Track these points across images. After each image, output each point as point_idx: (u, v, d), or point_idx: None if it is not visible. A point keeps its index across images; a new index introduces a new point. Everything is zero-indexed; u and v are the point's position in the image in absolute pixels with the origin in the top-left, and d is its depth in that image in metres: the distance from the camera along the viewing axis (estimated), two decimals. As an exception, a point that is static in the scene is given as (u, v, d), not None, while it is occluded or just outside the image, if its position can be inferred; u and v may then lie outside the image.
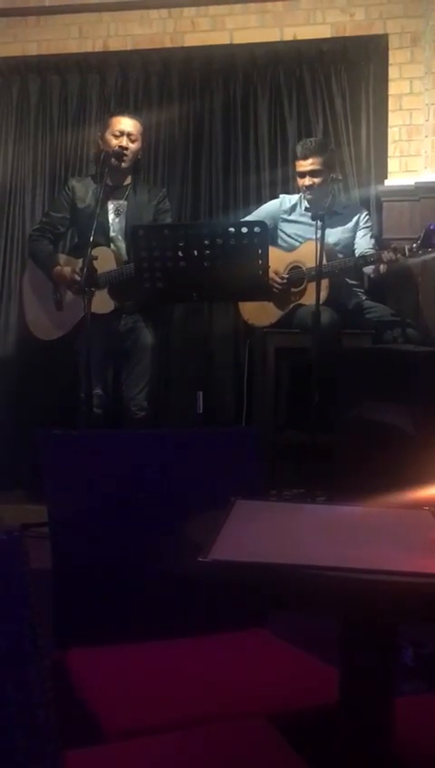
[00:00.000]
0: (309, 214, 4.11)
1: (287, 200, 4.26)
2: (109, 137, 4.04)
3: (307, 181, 4.10)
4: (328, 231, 3.74)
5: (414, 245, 3.69)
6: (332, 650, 1.33)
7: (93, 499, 1.82)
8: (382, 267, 3.83)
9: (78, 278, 3.87)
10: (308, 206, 4.13)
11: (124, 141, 4.03)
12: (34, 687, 0.95)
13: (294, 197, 4.25)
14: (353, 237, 4.14)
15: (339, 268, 3.90)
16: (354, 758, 1.23)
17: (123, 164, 4.03)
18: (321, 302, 3.51)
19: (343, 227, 4.11)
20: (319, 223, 3.47)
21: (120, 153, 3.99)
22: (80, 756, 1.28)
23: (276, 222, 4.20)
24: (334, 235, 4.02)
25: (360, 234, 4.14)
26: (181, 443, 1.97)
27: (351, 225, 4.14)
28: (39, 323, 4.22)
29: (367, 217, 4.19)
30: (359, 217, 4.16)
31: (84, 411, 3.64)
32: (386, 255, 3.78)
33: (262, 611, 1.87)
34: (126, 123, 4.07)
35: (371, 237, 4.14)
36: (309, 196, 4.11)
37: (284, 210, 4.23)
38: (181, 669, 1.66)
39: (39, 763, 0.94)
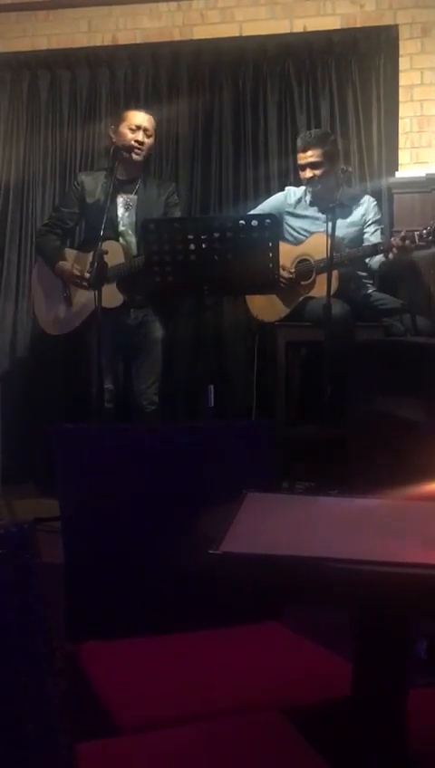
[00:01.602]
0: (314, 207, 4.10)
1: (292, 193, 4.22)
2: (125, 131, 4.02)
3: (308, 173, 4.05)
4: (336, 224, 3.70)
5: (425, 231, 3.66)
6: (345, 643, 1.33)
7: (105, 493, 1.82)
8: (391, 254, 3.79)
9: (77, 273, 3.93)
10: (312, 199, 4.10)
11: (140, 136, 4.01)
12: (46, 680, 0.94)
13: (299, 190, 4.20)
14: (361, 231, 4.08)
15: (349, 258, 3.87)
16: (368, 751, 1.22)
17: (136, 156, 4.02)
18: (331, 295, 3.49)
19: (349, 220, 4.04)
20: (329, 215, 3.44)
21: (133, 147, 3.99)
22: (93, 749, 1.28)
23: (282, 215, 4.16)
24: (341, 229, 3.98)
25: (370, 230, 4.07)
26: (193, 437, 1.97)
27: (357, 218, 4.07)
28: (48, 319, 4.22)
29: (375, 209, 4.11)
30: (365, 210, 4.08)
31: (95, 406, 3.64)
32: (396, 242, 3.74)
33: (275, 604, 1.87)
34: (142, 118, 4.05)
35: (381, 234, 4.10)
36: (311, 189, 4.08)
37: (289, 204, 4.19)
38: (194, 663, 1.66)
39: (51, 755, 0.94)
